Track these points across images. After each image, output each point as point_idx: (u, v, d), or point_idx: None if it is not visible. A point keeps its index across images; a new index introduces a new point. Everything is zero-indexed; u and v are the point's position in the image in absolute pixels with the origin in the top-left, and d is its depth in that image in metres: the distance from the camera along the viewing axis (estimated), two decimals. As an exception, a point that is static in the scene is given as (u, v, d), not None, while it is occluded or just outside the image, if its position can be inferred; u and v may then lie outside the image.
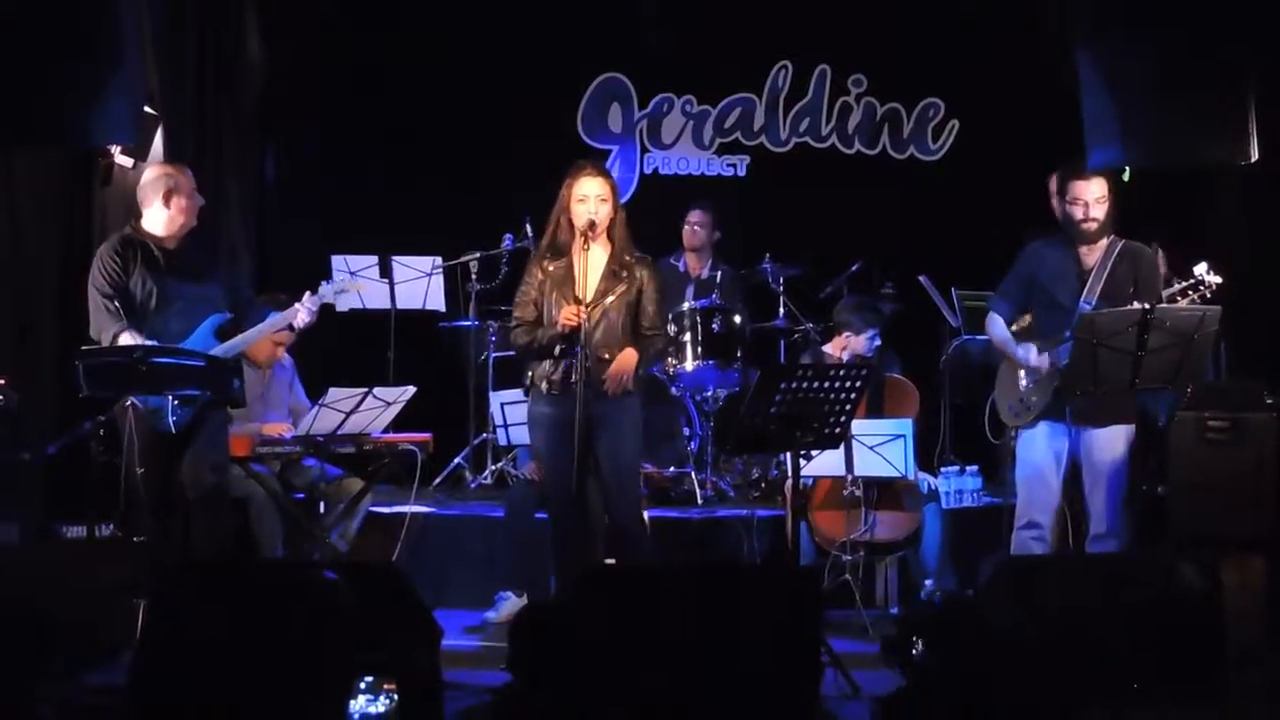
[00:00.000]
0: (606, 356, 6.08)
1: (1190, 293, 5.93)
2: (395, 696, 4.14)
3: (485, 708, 5.17)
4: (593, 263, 6.11)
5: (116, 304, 6.18)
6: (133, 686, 4.53)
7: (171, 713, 4.32)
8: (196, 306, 6.33)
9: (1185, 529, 6.45)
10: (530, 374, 6.20)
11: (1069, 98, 7.00)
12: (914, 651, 4.97)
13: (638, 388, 6.19)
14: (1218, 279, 5.90)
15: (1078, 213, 6.28)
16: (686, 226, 8.92)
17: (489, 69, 9.67)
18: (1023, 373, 6.40)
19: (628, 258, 6.19)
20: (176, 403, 6.10)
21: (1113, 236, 6.34)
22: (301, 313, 6.57)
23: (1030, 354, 6.31)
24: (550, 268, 6.14)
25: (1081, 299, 6.23)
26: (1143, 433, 6.45)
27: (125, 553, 6.22)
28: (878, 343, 7.58)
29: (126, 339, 6.10)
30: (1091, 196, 6.26)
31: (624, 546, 6.20)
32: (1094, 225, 6.26)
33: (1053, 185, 6.97)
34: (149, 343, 6.07)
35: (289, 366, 7.73)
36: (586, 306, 6.01)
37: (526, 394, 6.29)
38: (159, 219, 6.33)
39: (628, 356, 6.10)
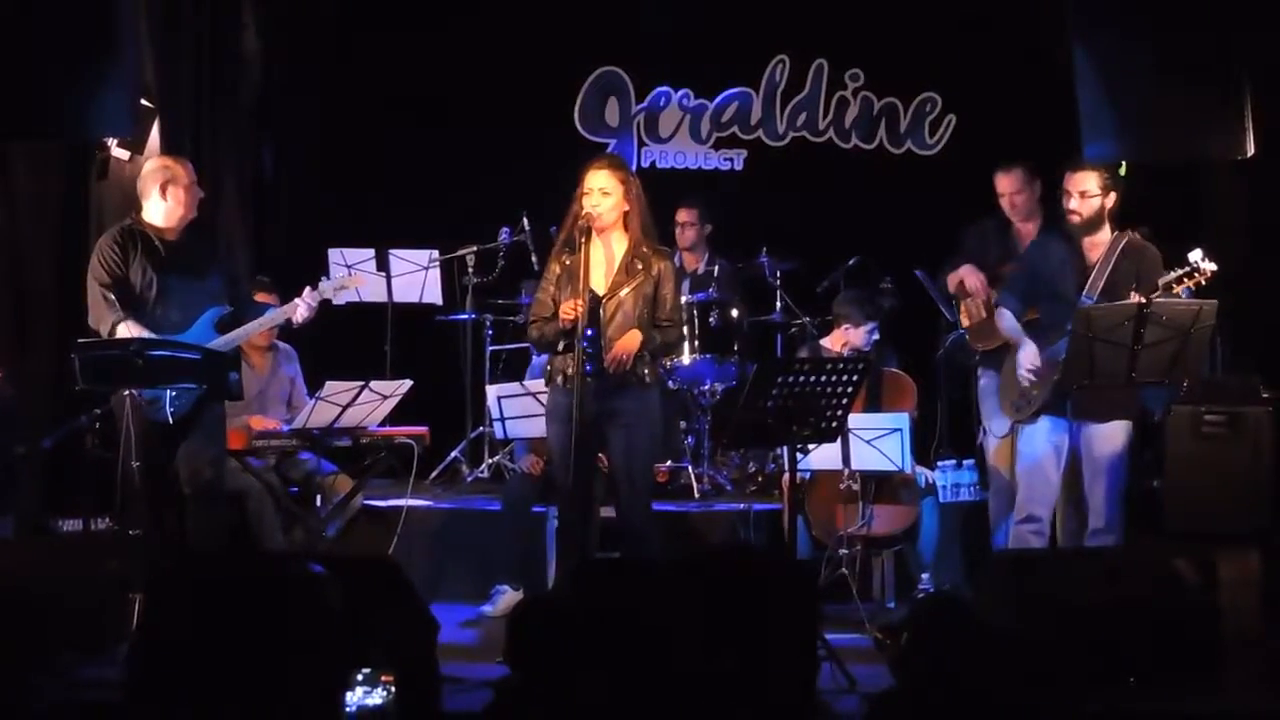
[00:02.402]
0: None
1: (1185, 280, 5.92)
2: (393, 689, 4.13)
3: (483, 701, 5.16)
4: (610, 255, 6.12)
5: (115, 294, 6.19)
6: (129, 680, 4.52)
7: (168, 707, 4.31)
8: (196, 299, 6.33)
9: (1181, 523, 6.45)
10: (550, 365, 6.22)
11: (1066, 91, 6.99)
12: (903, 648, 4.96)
13: (656, 380, 6.19)
14: (1213, 266, 5.89)
15: (1064, 202, 6.34)
16: (676, 228, 8.87)
17: (486, 62, 9.66)
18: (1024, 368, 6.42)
19: (645, 249, 6.17)
20: (174, 393, 6.11)
21: (1118, 233, 6.35)
22: (301, 309, 6.57)
23: (1029, 354, 6.32)
24: (566, 261, 6.14)
25: (1084, 294, 6.24)
26: (1139, 427, 6.45)
27: (121, 546, 6.22)
28: (876, 336, 7.58)
29: (124, 329, 6.11)
30: (1075, 188, 6.30)
31: (632, 543, 6.18)
32: (1076, 218, 6.29)
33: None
34: (146, 335, 6.08)
35: (294, 360, 7.73)
36: (604, 299, 6.02)
37: (547, 383, 6.30)
38: (158, 210, 6.35)
39: (630, 338, 6.06)
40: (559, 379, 6.11)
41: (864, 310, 7.58)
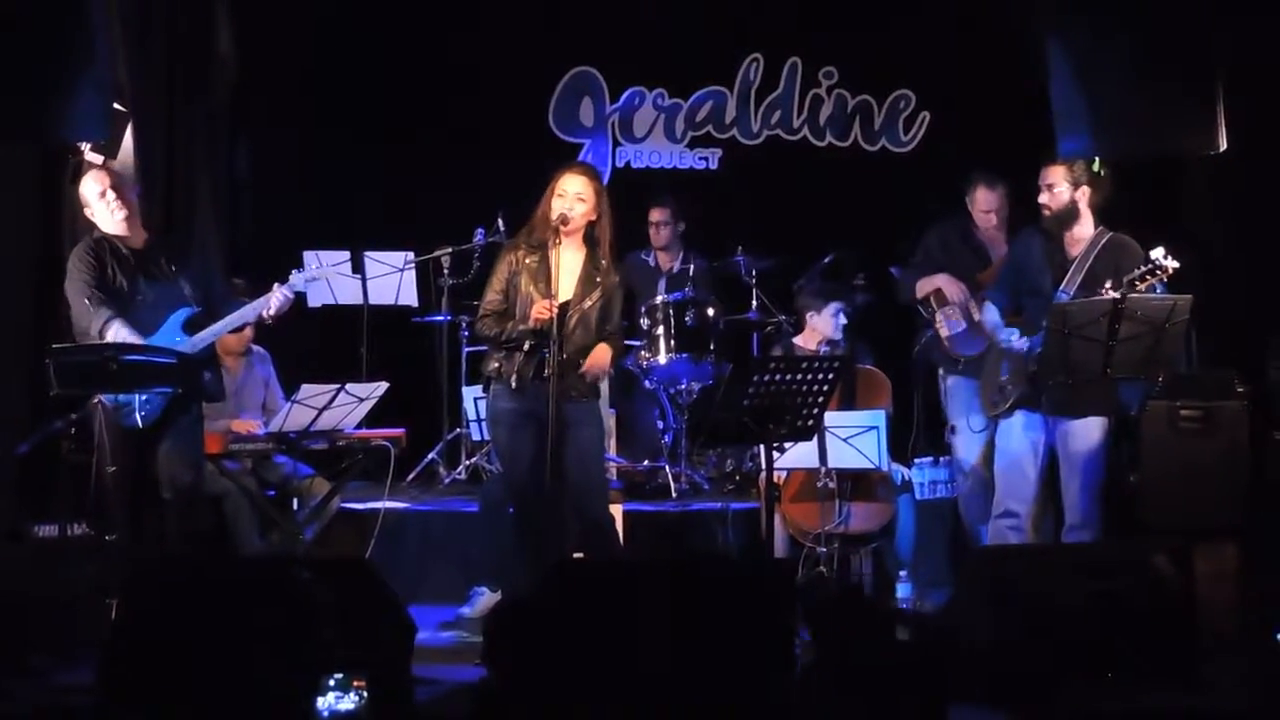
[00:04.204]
0: (581, 360, 6.08)
1: (1149, 277, 5.94)
2: (365, 693, 4.13)
3: (461, 703, 5.16)
4: (569, 263, 6.10)
5: (102, 295, 6.20)
6: (103, 685, 4.51)
7: (142, 711, 4.31)
8: (163, 302, 6.33)
9: (1157, 518, 6.48)
10: (497, 366, 6.17)
11: (1039, 88, 7.01)
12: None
13: (599, 388, 6.21)
14: (1175, 263, 5.91)
15: (1038, 197, 6.37)
16: (650, 228, 8.91)
17: (460, 63, 9.64)
18: (1004, 363, 6.44)
19: (604, 263, 6.19)
20: (143, 398, 6.09)
21: (1100, 228, 6.38)
22: (273, 301, 6.52)
23: (1011, 336, 6.35)
24: (525, 260, 6.12)
25: (1060, 289, 6.26)
26: (1115, 423, 6.47)
27: (97, 551, 6.20)
28: (844, 320, 7.58)
29: (116, 326, 6.14)
30: (1042, 182, 6.39)
31: (595, 543, 6.19)
32: (1046, 211, 6.37)
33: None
34: (135, 336, 6.10)
35: (268, 362, 7.71)
36: (567, 306, 6.01)
37: (486, 388, 6.27)
38: (101, 219, 6.37)
39: (603, 352, 6.12)
40: (511, 381, 6.09)
41: (822, 294, 7.60)
